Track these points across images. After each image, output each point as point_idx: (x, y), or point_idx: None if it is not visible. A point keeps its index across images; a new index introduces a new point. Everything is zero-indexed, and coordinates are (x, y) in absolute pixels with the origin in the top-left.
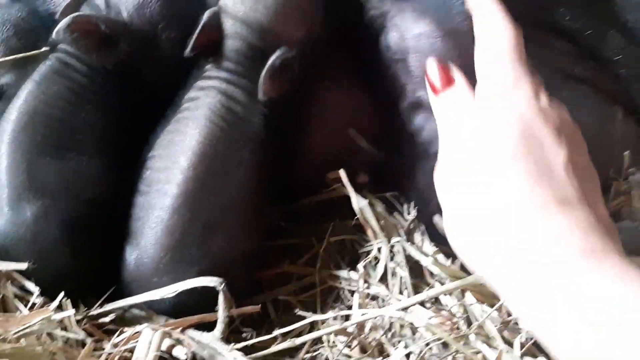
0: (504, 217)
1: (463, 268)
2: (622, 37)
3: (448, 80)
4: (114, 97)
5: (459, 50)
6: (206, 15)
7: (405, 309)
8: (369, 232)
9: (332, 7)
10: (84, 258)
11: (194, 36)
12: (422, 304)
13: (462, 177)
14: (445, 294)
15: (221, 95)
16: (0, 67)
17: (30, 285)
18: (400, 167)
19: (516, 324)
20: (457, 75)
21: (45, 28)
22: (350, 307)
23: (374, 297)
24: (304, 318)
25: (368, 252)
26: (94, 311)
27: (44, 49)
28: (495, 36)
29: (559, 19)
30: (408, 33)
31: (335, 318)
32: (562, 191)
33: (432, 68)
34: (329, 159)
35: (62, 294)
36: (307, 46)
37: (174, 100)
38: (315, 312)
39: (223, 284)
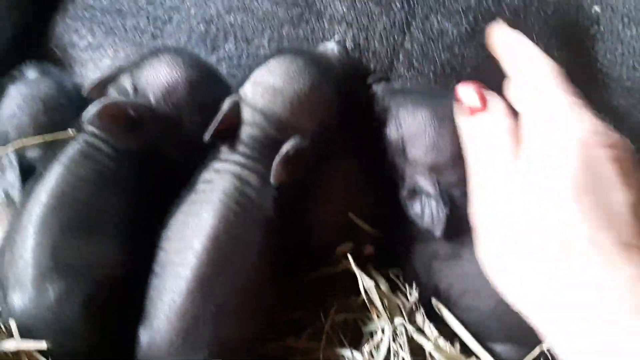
0: (564, 265)
1: (462, 351)
2: (612, 120)
3: (484, 103)
4: (136, 178)
5: (452, 137)
6: (226, 104)
7: None
8: (373, 313)
9: (345, 101)
10: (101, 337)
11: (214, 124)
12: None
13: (514, 212)
14: None
15: (235, 179)
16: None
17: None
18: (401, 250)
19: None
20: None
21: (73, 105)
22: None
23: None
24: None
25: (371, 333)
26: None
27: (71, 131)
28: (539, 67)
29: None
30: (405, 124)
31: None
32: (625, 235)
33: (466, 89)
34: (337, 231)
35: None
36: (320, 136)
37: (190, 180)
38: None
39: None
